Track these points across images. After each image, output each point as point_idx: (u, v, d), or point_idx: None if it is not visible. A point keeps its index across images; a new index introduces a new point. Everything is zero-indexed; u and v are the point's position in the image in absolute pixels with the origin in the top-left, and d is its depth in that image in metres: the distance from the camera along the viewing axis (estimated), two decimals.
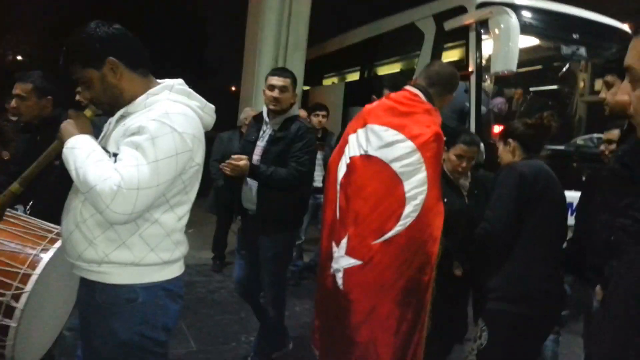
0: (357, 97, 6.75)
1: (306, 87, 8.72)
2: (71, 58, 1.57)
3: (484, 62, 5.08)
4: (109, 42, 1.56)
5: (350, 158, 2.20)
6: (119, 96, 1.59)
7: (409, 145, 2.05)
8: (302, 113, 4.78)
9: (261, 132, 2.88)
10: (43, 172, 2.35)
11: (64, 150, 1.50)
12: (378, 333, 2.06)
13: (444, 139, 2.16)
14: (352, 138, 2.24)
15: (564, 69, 6.00)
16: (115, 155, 1.48)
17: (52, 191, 1.71)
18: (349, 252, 2.10)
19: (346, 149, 2.26)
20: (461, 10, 5.24)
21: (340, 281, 2.12)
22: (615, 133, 2.98)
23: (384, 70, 7.43)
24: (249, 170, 2.69)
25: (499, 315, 2.05)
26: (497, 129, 4.79)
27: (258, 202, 2.82)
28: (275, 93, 2.82)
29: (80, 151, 1.46)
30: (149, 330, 1.58)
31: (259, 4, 7.51)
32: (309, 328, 3.67)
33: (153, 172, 1.43)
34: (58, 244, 1.58)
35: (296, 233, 3.17)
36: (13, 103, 2.51)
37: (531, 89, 5.80)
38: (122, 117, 1.59)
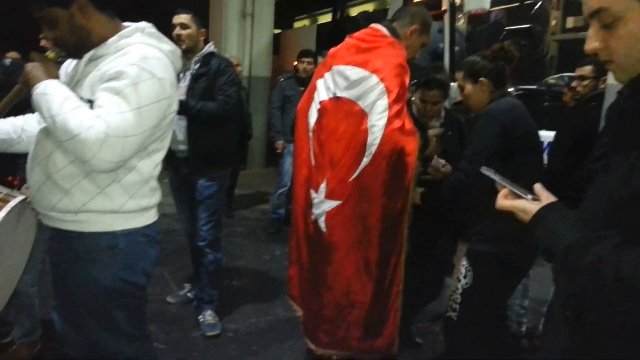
0: (330, 39, 6.62)
1: (277, 31, 8.49)
2: None
3: (457, 0, 5.00)
4: None
5: (320, 103, 2.19)
6: (86, 38, 1.51)
7: (374, 79, 2.04)
8: (234, 60, 4.72)
9: (181, 75, 2.85)
10: None
11: (35, 96, 1.42)
12: (362, 265, 2.13)
13: (408, 71, 2.12)
14: (319, 83, 2.23)
15: (536, 7, 5.97)
16: (90, 101, 1.43)
17: None
18: (329, 195, 2.12)
19: (315, 95, 2.24)
20: None
21: (322, 225, 2.14)
22: (587, 69, 3.01)
23: (356, 11, 7.27)
24: (178, 107, 2.70)
25: (483, 256, 2.11)
26: None
27: (189, 142, 2.79)
28: (177, 31, 2.83)
29: (54, 97, 1.39)
30: (131, 275, 1.60)
31: None
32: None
33: (137, 119, 1.40)
34: (7, 207, 1.54)
35: (229, 170, 3.17)
36: None
37: (505, 27, 5.76)
38: (92, 60, 1.52)
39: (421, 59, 5.44)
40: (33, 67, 1.46)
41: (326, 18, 8.12)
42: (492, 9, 4.77)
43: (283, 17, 8.58)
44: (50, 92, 1.40)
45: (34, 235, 1.86)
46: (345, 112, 2.09)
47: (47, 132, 1.49)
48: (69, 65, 1.61)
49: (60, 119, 1.35)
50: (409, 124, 2.07)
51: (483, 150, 2.04)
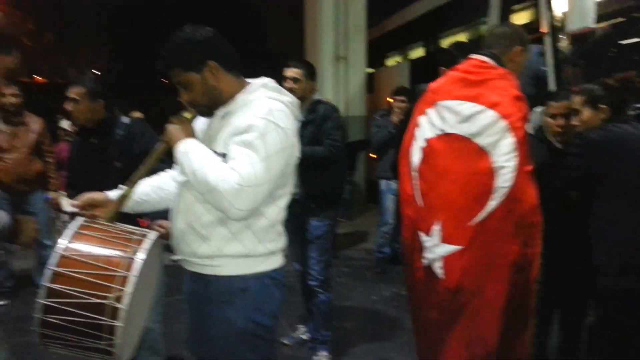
0: (424, 74, 6.58)
1: (370, 70, 8.62)
2: (172, 62, 1.61)
3: (557, 21, 4.78)
4: (207, 45, 1.62)
5: (426, 141, 2.10)
6: (218, 97, 1.64)
7: (491, 114, 1.93)
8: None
9: None
10: (106, 175, 2.49)
11: (177, 154, 1.58)
12: (483, 313, 1.99)
13: (526, 102, 2.02)
14: (422, 120, 2.14)
15: None
16: (224, 155, 1.56)
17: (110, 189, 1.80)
18: (446, 239, 2.01)
19: (417, 132, 2.15)
20: None
21: (440, 270, 2.03)
22: None
23: (448, 42, 7.19)
24: None
25: (606, 291, 1.96)
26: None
27: (301, 184, 2.82)
28: (288, 84, 2.96)
29: (194, 155, 1.54)
30: (261, 317, 1.67)
31: None
32: (398, 310, 3.79)
33: (266, 167, 1.50)
34: (145, 245, 1.67)
35: (338, 210, 3.29)
36: (68, 106, 2.56)
37: (618, 42, 5.38)
38: (223, 116, 1.65)
39: (523, 84, 5.24)
40: (174, 128, 1.62)
41: (418, 53, 8.10)
42: (596, 26, 4.48)
43: (375, 56, 8.72)
44: (190, 150, 1.56)
45: (159, 272, 2.00)
46: (458, 150, 2.00)
47: (187, 185, 1.63)
48: (201, 122, 1.74)
49: (200, 173, 1.50)
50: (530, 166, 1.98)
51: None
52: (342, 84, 7.70)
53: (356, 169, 7.19)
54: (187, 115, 1.67)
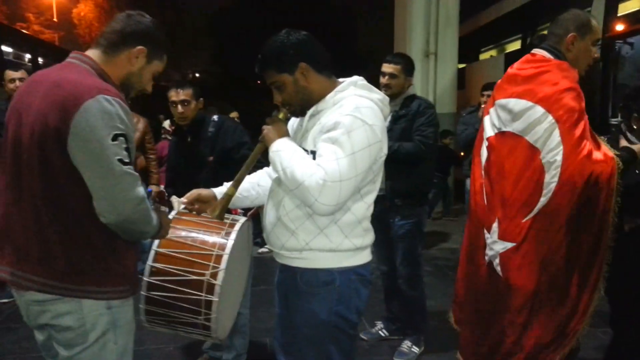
0: None
1: (462, 65, 8.37)
2: (267, 65, 1.71)
3: None
4: (300, 48, 1.70)
5: (487, 139, 2.13)
6: (309, 97, 1.72)
7: (538, 110, 1.90)
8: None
9: None
10: (197, 171, 2.66)
11: (271, 154, 1.68)
12: (546, 309, 1.99)
13: (580, 92, 1.92)
14: (486, 120, 2.17)
15: None
16: (313, 152, 1.65)
17: (204, 186, 1.93)
18: (501, 236, 2.02)
19: (483, 132, 2.19)
20: None
21: (498, 268, 2.04)
22: None
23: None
24: None
25: None
26: None
27: (386, 181, 2.82)
28: (385, 80, 2.94)
29: (285, 153, 1.63)
30: (345, 311, 1.73)
31: None
32: None
33: (351, 163, 1.55)
34: (236, 228, 1.79)
35: (426, 210, 3.21)
36: (180, 109, 2.73)
37: None
38: (313, 115, 1.74)
39: (631, 78, 4.82)
40: (268, 130, 1.72)
41: (515, 46, 7.74)
42: None
43: (469, 51, 8.44)
44: (282, 148, 1.65)
45: (249, 261, 2.13)
46: (510, 147, 2.00)
47: (278, 182, 1.73)
48: (294, 121, 1.85)
49: (289, 170, 1.59)
50: (597, 149, 1.89)
51: None
52: (432, 81, 7.55)
53: (450, 174, 7.00)
54: (280, 115, 1.77)
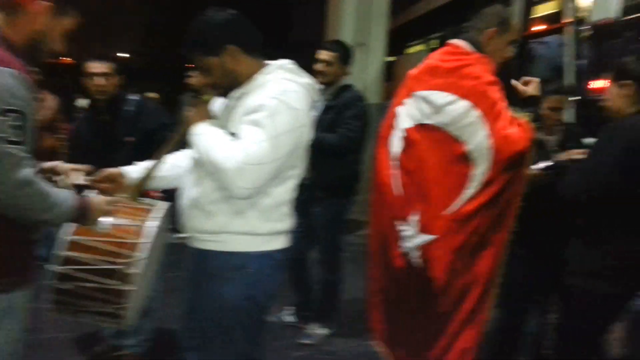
0: None
1: (391, 58, 8.53)
2: (192, 47, 1.66)
3: (582, 12, 4.65)
4: (227, 29, 1.65)
5: (405, 131, 2.09)
6: (236, 80, 1.68)
7: (462, 104, 1.91)
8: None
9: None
10: (112, 150, 2.54)
11: (192, 137, 1.64)
12: (462, 304, 2.02)
13: (499, 84, 1.98)
14: (400, 110, 2.13)
15: None
16: (235, 135, 1.60)
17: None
18: (423, 229, 2.02)
19: (395, 122, 2.15)
20: None
21: (418, 260, 2.04)
22: None
23: None
24: None
25: (576, 293, 1.92)
26: (596, 84, 4.38)
27: (312, 170, 2.83)
28: (320, 67, 2.88)
29: (206, 136, 1.59)
30: (257, 295, 1.70)
31: None
32: None
33: (272, 147, 1.52)
34: (156, 213, 1.72)
35: (350, 201, 3.19)
36: (99, 81, 2.58)
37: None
38: (239, 97, 1.69)
39: (541, 73, 5.11)
40: (191, 112, 1.67)
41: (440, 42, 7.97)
42: (621, 19, 4.35)
43: (396, 44, 8.62)
44: (203, 131, 1.60)
45: (165, 241, 2.05)
46: (434, 140, 1.98)
47: (198, 164, 1.68)
48: (220, 102, 1.78)
49: (209, 153, 1.55)
50: (514, 131, 1.90)
51: (605, 167, 1.81)
52: (360, 71, 7.64)
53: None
54: (205, 97, 1.72)
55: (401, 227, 2.09)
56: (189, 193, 1.72)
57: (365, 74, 7.64)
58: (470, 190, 1.92)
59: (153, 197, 2.26)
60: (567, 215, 2.09)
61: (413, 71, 2.17)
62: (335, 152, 2.85)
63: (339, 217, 3.09)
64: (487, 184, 1.90)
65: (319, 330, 3.12)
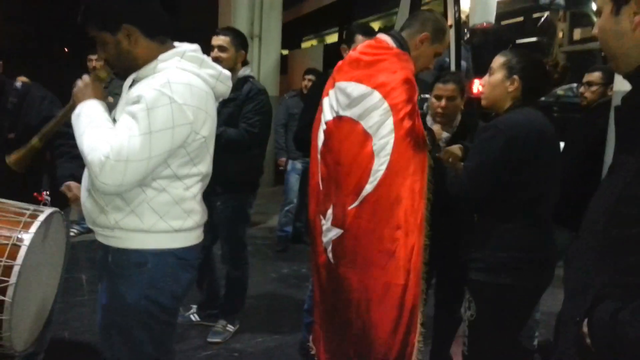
0: (337, 58, 6.63)
1: (285, 51, 8.56)
2: (87, 19, 1.52)
3: (462, 15, 5.00)
4: (127, 7, 1.51)
5: (326, 123, 2.06)
6: (132, 62, 1.55)
7: (375, 96, 1.90)
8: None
9: None
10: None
11: (72, 117, 1.51)
12: (363, 305, 1.97)
13: (415, 85, 1.95)
14: (325, 102, 2.10)
15: (543, 20, 5.94)
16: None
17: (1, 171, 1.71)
18: (334, 222, 1.99)
19: (322, 115, 2.11)
20: None
21: (330, 255, 2.02)
22: (596, 75, 2.97)
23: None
24: None
25: (483, 286, 1.94)
26: (477, 84, 4.75)
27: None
28: (215, 53, 2.77)
29: (83, 118, 1.47)
30: (157, 295, 1.59)
31: None
32: (295, 287, 3.82)
33: (144, 143, 1.40)
34: (33, 228, 1.55)
35: (252, 195, 3.13)
36: None
37: (511, 41, 5.74)
38: (134, 83, 1.56)
39: (428, 74, 5.43)
40: (79, 89, 1.54)
41: (333, 38, 8.15)
42: (497, 23, 4.74)
43: (291, 38, 8.66)
44: (83, 112, 1.48)
45: (64, 250, 1.89)
46: (347, 133, 1.96)
47: None
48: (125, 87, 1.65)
49: (81, 140, 1.44)
50: (420, 139, 1.90)
51: (487, 163, 1.85)
52: (255, 63, 7.57)
53: None
54: (100, 74, 1.58)
55: (322, 222, 2.06)
56: (84, 183, 1.60)
57: (260, 67, 7.60)
58: (369, 186, 1.91)
59: (40, 201, 2.06)
60: (464, 210, 2.15)
61: (339, 62, 2.13)
62: (236, 147, 2.74)
63: (241, 211, 3.01)
64: (384, 179, 1.89)
65: (226, 328, 3.05)
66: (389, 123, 1.89)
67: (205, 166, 1.64)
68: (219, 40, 2.80)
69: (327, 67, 7.13)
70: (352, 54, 2.11)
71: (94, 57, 4.96)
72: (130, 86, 1.56)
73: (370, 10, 7.07)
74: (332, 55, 7.61)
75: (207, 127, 1.57)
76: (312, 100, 2.42)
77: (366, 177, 1.91)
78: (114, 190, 1.43)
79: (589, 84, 2.98)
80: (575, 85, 4.97)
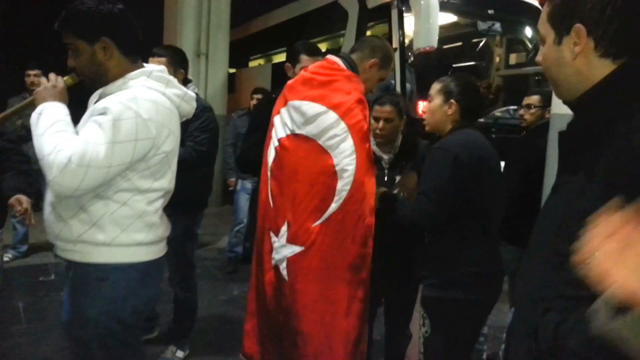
0: (284, 78, 6.67)
1: (232, 70, 8.53)
2: (67, 25, 1.56)
3: (406, 39, 5.17)
4: (109, 21, 1.56)
5: (278, 140, 2.08)
6: (102, 75, 1.59)
7: (332, 115, 1.95)
8: None
9: None
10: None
11: (33, 115, 1.51)
12: (328, 318, 1.97)
13: (367, 106, 2.02)
14: (276, 119, 2.12)
15: (481, 45, 6.25)
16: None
17: None
18: (290, 240, 1.99)
19: (273, 132, 2.14)
20: None
21: (284, 272, 2.00)
22: (534, 98, 3.15)
23: None
24: None
25: (437, 302, 2.00)
26: (422, 105, 4.91)
27: None
28: None
29: (45, 118, 1.48)
30: (118, 311, 1.59)
31: None
32: (244, 309, 3.71)
33: (107, 152, 1.44)
34: None
35: (200, 215, 3.09)
36: None
37: (452, 65, 6.00)
38: (100, 98, 1.60)
39: (373, 96, 5.57)
40: (43, 89, 1.56)
41: (281, 57, 8.21)
42: (439, 47, 4.95)
43: (239, 57, 8.65)
44: (45, 113, 1.50)
45: None
46: (305, 151, 1.99)
47: None
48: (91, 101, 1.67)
49: (42, 139, 1.44)
50: (372, 169, 1.98)
51: (441, 182, 1.91)
52: (203, 82, 7.50)
53: None
54: (66, 79, 1.62)
55: (273, 239, 2.05)
56: (48, 196, 1.60)
57: (207, 85, 7.53)
58: (334, 204, 1.94)
59: None
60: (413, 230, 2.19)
61: (290, 81, 2.17)
62: (183, 166, 2.70)
63: (189, 231, 2.94)
64: (349, 199, 1.94)
65: (176, 354, 2.95)
66: (349, 143, 1.93)
67: (167, 181, 1.67)
68: (154, 61, 2.75)
69: (275, 86, 7.16)
70: (304, 73, 2.15)
71: (32, 72, 4.77)
72: (96, 101, 1.60)
73: (317, 31, 7.19)
74: (280, 74, 7.67)
75: (169, 144, 1.61)
76: (258, 121, 2.40)
77: (331, 196, 1.95)
78: (67, 193, 1.44)
79: (528, 106, 3.15)
80: (512, 107, 5.25)
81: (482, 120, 5.14)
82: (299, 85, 2.09)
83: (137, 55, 1.66)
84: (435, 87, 2.09)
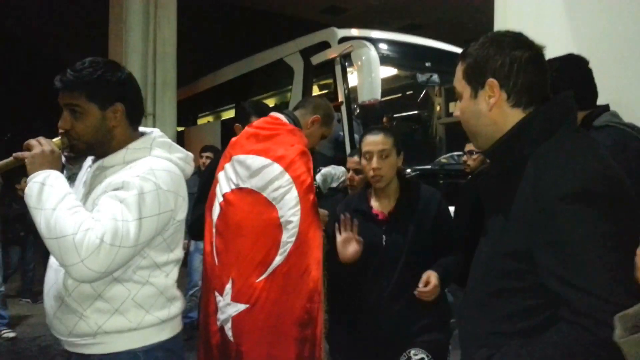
0: (234, 134, 6.71)
1: (180, 128, 8.52)
2: (78, 85, 1.46)
3: (351, 93, 5.36)
4: (124, 87, 1.53)
5: (223, 196, 2.07)
6: (106, 142, 1.51)
7: (276, 167, 1.97)
8: None
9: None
10: None
11: (31, 184, 1.33)
12: None
13: (311, 157, 2.07)
14: (220, 175, 2.13)
15: (422, 95, 6.55)
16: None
17: None
18: (235, 297, 1.93)
19: (217, 189, 2.13)
20: (325, 45, 5.52)
21: (229, 333, 1.93)
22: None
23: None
24: None
25: (439, 345, 2.15)
26: None
27: None
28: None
29: (53, 190, 1.33)
30: None
31: (119, 46, 7.24)
32: None
33: (137, 230, 1.36)
34: None
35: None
36: None
37: (395, 115, 6.23)
38: (101, 169, 1.50)
39: (324, 147, 5.68)
40: (42, 153, 1.38)
41: (230, 114, 8.30)
42: (382, 99, 5.15)
43: (187, 115, 8.67)
44: (52, 183, 1.33)
45: None
46: (250, 204, 1.98)
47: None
48: (82, 173, 1.58)
49: (56, 214, 1.28)
50: (316, 220, 1.97)
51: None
52: None
53: None
54: (55, 141, 1.47)
55: (218, 298, 1.99)
56: (52, 290, 1.47)
57: None
58: (279, 257, 1.91)
59: None
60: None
61: (234, 138, 2.20)
62: None
63: None
64: (294, 251, 1.91)
65: None
66: (294, 195, 1.94)
67: (180, 250, 1.61)
68: None
69: (225, 143, 7.17)
70: (248, 129, 2.19)
71: None
72: (95, 173, 1.51)
73: (264, 87, 7.34)
74: (230, 131, 7.71)
75: (183, 212, 1.56)
76: (208, 187, 2.36)
77: (275, 249, 1.92)
78: (92, 277, 1.31)
79: (470, 152, 3.29)
80: (456, 153, 5.47)
81: (428, 167, 5.33)
82: (244, 140, 2.13)
83: (139, 125, 1.61)
84: (388, 142, 2.14)
